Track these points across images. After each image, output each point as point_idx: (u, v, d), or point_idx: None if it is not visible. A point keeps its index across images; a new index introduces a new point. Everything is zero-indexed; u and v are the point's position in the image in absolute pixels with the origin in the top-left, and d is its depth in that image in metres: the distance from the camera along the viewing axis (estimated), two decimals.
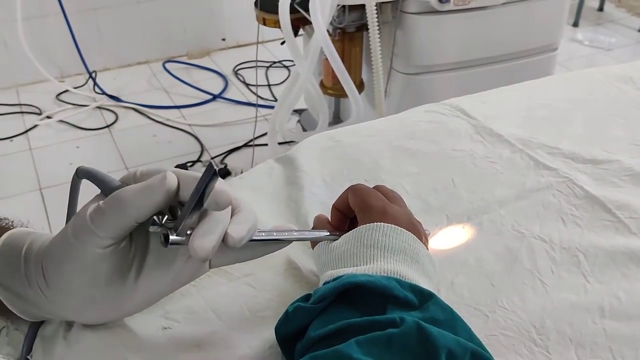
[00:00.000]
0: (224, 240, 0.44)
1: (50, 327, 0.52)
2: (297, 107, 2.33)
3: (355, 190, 0.56)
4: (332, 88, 1.86)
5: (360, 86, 1.87)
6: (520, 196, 0.71)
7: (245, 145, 2.31)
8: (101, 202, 0.43)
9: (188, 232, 0.43)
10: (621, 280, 0.61)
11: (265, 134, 2.15)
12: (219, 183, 0.42)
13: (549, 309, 0.57)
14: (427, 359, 0.40)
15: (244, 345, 0.50)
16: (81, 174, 0.48)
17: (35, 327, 0.52)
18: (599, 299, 0.59)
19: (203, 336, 0.50)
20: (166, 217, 0.44)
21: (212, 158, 2.25)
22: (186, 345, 0.49)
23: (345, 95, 1.76)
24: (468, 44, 1.81)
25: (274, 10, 1.73)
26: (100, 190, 0.47)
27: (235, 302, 0.54)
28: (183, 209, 0.42)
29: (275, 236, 0.50)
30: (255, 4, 1.93)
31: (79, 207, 0.52)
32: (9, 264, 0.46)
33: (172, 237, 0.42)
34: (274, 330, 0.48)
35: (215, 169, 0.40)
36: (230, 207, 0.45)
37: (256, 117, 2.13)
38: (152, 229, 0.44)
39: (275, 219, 0.66)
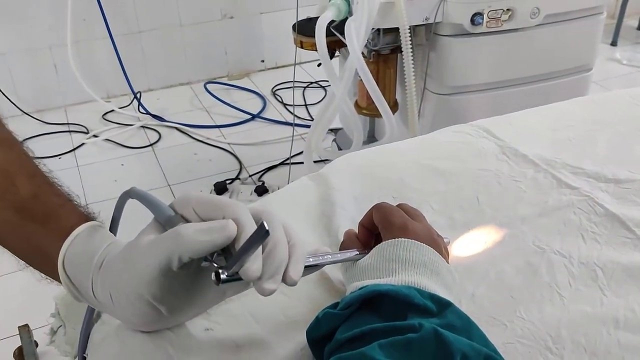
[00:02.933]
0: (284, 279, 0.49)
1: (104, 327, 0.57)
2: (332, 126, 2.40)
3: (379, 208, 0.60)
4: (367, 108, 1.91)
5: (394, 106, 1.91)
6: (542, 214, 0.75)
7: (282, 163, 2.37)
8: (164, 234, 0.48)
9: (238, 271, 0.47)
10: (637, 294, 0.64)
11: (301, 153, 2.21)
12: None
13: (565, 319, 0.61)
14: None
15: (279, 347, 0.55)
16: (134, 195, 0.53)
17: (89, 327, 0.58)
18: (614, 311, 0.62)
19: (242, 337, 0.55)
20: (216, 254, 0.49)
21: (250, 176, 2.31)
22: (226, 345, 0.54)
23: (379, 115, 1.80)
24: (501, 65, 1.84)
25: (311, 33, 1.79)
26: (154, 216, 0.51)
27: (271, 308, 0.59)
28: (235, 253, 0.47)
29: (312, 262, 0.54)
30: (293, 27, 2.00)
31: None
32: (81, 262, 0.52)
33: (223, 277, 0.47)
34: (305, 334, 0.52)
35: (267, 230, 0.44)
36: (287, 246, 0.50)
37: (293, 136, 2.19)
38: (204, 264, 0.49)
39: (309, 233, 0.71)
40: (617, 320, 0.61)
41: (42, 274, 0.55)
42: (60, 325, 0.62)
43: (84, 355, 0.58)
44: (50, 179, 0.57)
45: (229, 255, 0.48)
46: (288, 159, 2.33)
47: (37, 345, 1.66)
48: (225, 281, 0.47)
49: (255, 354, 0.54)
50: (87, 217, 0.55)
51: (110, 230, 0.56)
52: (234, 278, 0.47)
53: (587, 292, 0.64)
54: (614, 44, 3.41)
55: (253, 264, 0.46)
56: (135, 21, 2.81)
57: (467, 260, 0.68)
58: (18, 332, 1.54)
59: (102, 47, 2.77)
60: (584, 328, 0.60)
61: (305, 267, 0.52)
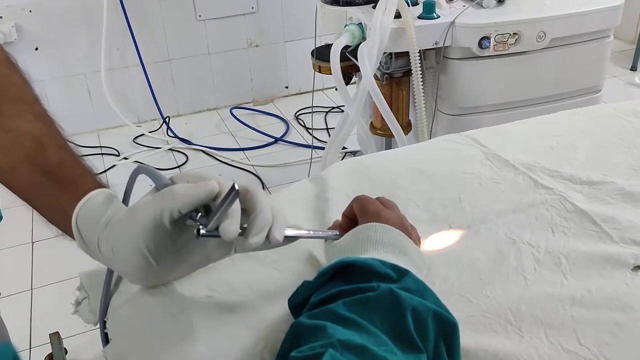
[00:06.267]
0: (268, 237, 0.58)
1: (120, 297, 0.67)
2: (352, 149, 2.49)
3: (358, 199, 0.69)
4: (381, 129, 2.00)
5: (407, 127, 2.00)
6: (517, 210, 0.83)
7: None
8: (159, 192, 0.57)
9: (217, 227, 0.55)
10: (596, 277, 0.71)
11: None
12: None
13: (526, 297, 0.68)
14: (396, 314, 0.53)
15: (269, 311, 0.63)
16: (141, 170, 0.63)
17: (108, 296, 0.68)
18: (572, 291, 0.69)
19: (237, 303, 0.64)
20: (200, 214, 0.57)
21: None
22: (224, 309, 0.63)
23: (393, 135, 1.89)
24: (510, 87, 1.91)
25: (328, 58, 1.89)
26: (154, 184, 0.60)
27: (264, 281, 0.68)
28: (212, 212, 0.55)
29: (292, 233, 0.63)
30: (312, 53, 2.11)
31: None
32: (90, 221, 0.61)
33: (203, 232, 0.55)
34: None
35: (237, 189, 0.53)
36: (271, 211, 0.58)
37: (311, 157, 2.29)
38: (188, 222, 0.58)
39: (306, 224, 0.80)
40: (573, 299, 0.68)
41: (59, 231, 0.65)
42: (85, 297, 0.72)
43: (104, 319, 0.67)
44: (75, 152, 0.67)
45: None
46: None
47: (66, 352, 1.76)
48: (204, 235, 0.55)
49: (249, 316, 0.62)
50: (101, 186, 0.65)
51: (123, 202, 0.65)
52: (213, 234, 0.55)
53: (550, 275, 0.71)
54: (633, 68, 3.45)
55: (231, 225, 0.55)
56: (166, 50, 2.96)
57: (442, 248, 0.76)
58: (49, 340, 1.65)
59: (134, 74, 2.92)
60: (542, 304, 0.67)
61: (286, 236, 0.60)
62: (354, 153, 2.54)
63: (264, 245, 0.58)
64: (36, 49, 2.74)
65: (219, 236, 0.55)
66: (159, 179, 0.60)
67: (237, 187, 0.53)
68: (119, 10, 2.75)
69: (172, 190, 0.56)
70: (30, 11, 2.68)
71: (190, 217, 0.57)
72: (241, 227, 0.57)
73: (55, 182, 0.63)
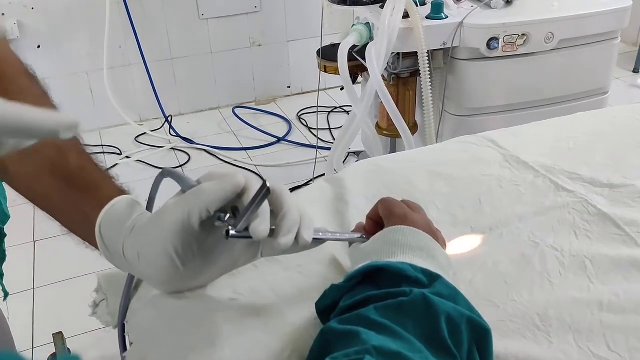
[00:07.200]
0: (297, 239, 0.56)
1: (140, 301, 0.65)
2: (355, 149, 2.48)
3: (383, 201, 0.68)
4: (387, 129, 1.99)
5: (414, 127, 1.99)
6: (539, 213, 0.81)
7: (306, 184, 2.45)
8: (186, 193, 0.56)
9: (245, 227, 0.54)
10: (622, 282, 0.70)
11: (324, 175, 2.29)
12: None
13: (553, 302, 0.67)
14: (429, 320, 0.51)
15: (294, 316, 0.62)
16: (166, 173, 0.61)
17: (128, 298, 0.66)
18: (599, 295, 0.68)
19: (262, 307, 0.63)
20: (228, 215, 0.56)
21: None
22: (249, 313, 0.62)
23: (399, 135, 1.88)
24: (517, 88, 1.90)
25: (334, 58, 1.88)
26: (180, 187, 0.59)
27: (289, 285, 0.66)
28: (242, 210, 0.54)
29: (320, 236, 0.62)
30: (318, 52, 2.10)
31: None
32: (114, 227, 0.59)
33: (232, 232, 0.54)
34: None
35: (268, 186, 0.52)
36: (299, 212, 0.57)
37: (316, 158, 2.28)
38: (217, 223, 0.56)
39: (326, 226, 0.78)
40: (601, 303, 0.67)
41: (81, 239, 0.63)
42: (103, 299, 0.70)
43: (124, 322, 0.66)
44: (95, 158, 0.66)
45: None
46: (311, 180, 2.41)
47: (69, 352, 1.74)
48: (233, 236, 0.54)
49: (274, 320, 0.61)
50: (123, 192, 0.64)
51: (147, 209, 0.64)
52: (242, 235, 0.54)
53: (576, 279, 0.70)
54: (635, 71, 3.45)
55: (261, 224, 0.53)
56: (168, 48, 2.95)
57: (466, 252, 0.75)
58: (52, 340, 1.63)
59: (136, 73, 2.91)
60: (569, 309, 0.66)
61: (314, 239, 0.59)
62: (357, 154, 2.53)
63: (292, 248, 0.57)
64: (38, 46, 2.73)
65: (249, 237, 0.54)
66: (184, 181, 0.58)
67: (269, 184, 0.52)
68: (122, 8, 2.74)
69: (198, 189, 0.55)
70: (33, 8, 2.66)
71: (218, 219, 0.56)
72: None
73: (77, 189, 0.62)
